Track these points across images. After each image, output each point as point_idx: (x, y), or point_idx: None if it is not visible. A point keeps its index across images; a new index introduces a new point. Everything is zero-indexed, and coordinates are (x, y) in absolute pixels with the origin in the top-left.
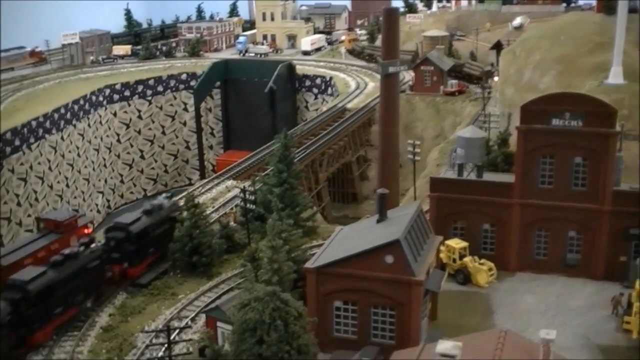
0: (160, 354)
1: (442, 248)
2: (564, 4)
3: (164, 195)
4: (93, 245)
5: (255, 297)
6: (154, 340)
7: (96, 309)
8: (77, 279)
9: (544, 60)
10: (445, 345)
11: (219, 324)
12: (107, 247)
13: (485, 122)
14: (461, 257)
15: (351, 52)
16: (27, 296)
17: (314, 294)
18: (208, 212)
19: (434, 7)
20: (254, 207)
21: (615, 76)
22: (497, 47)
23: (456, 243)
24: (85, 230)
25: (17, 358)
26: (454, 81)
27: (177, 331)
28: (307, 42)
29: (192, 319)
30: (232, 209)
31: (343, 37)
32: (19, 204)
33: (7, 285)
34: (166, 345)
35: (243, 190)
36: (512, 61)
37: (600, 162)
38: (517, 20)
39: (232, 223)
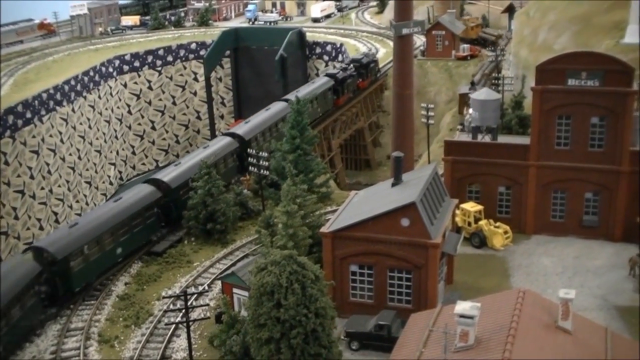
0: (178, 319)
1: (457, 211)
2: None
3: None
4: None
5: (272, 261)
6: (171, 307)
7: (112, 278)
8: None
9: (560, 20)
10: (463, 306)
11: (235, 290)
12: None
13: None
14: (476, 220)
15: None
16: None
17: (330, 258)
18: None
19: None
20: (267, 173)
21: (632, 35)
22: (510, 10)
23: (471, 206)
24: None
25: None
26: (466, 45)
27: (194, 296)
28: (316, 8)
29: (208, 286)
30: (245, 176)
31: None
32: (31, 177)
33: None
34: (183, 310)
35: (257, 157)
36: (527, 22)
37: (618, 122)
38: None
39: (245, 190)
